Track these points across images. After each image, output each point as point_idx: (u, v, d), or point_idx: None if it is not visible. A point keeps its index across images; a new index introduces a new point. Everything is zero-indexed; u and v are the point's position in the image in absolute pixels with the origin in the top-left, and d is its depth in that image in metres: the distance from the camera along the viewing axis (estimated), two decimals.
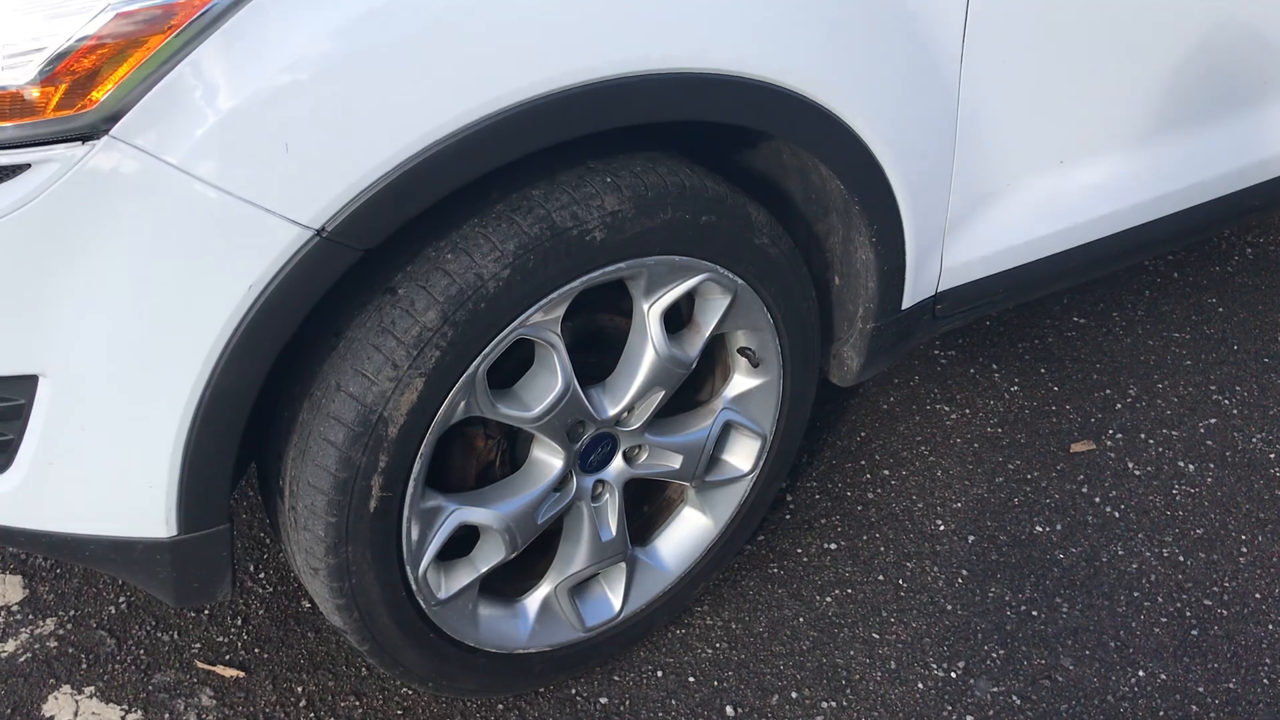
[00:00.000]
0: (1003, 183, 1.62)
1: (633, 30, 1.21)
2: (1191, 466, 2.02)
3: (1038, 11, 1.49)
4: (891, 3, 1.37)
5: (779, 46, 1.31)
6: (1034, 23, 1.49)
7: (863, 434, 2.11)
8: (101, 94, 1.05)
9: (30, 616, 1.74)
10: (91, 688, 1.64)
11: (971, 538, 1.90)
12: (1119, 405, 2.15)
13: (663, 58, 1.24)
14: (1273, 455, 2.04)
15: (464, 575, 1.48)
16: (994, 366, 2.25)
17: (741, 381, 1.63)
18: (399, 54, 1.10)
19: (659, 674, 1.70)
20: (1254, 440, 2.07)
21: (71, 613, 1.75)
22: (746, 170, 1.64)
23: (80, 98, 1.05)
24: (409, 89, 1.11)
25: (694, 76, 1.26)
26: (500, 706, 1.63)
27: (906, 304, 1.63)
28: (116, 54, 1.05)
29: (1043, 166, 1.65)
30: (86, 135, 1.06)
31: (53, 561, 1.82)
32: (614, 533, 1.57)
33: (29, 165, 1.07)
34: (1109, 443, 2.07)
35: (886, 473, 2.03)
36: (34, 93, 1.05)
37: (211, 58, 1.06)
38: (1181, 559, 1.86)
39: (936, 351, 2.29)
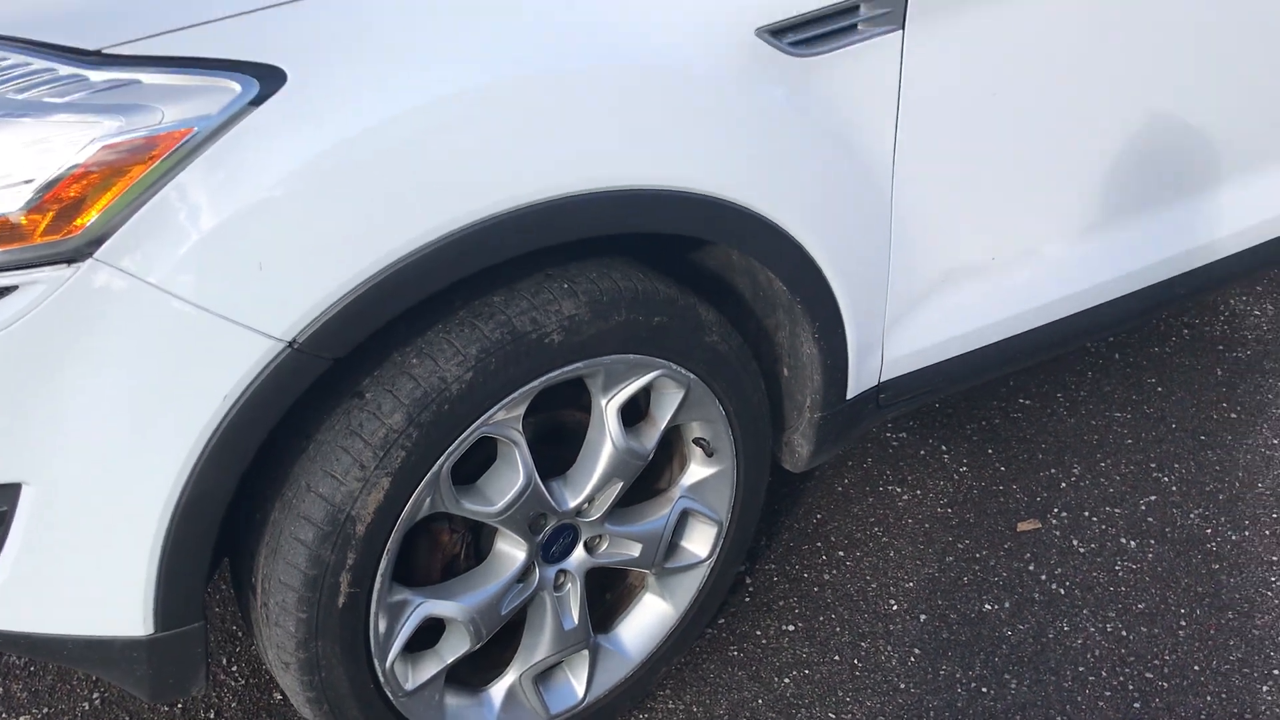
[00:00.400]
0: (937, 280, 1.72)
1: (590, 154, 1.31)
2: (1133, 543, 2.10)
3: (960, 126, 1.60)
4: (826, 119, 1.48)
5: (724, 165, 1.40)
6: (957, 136, 1.60)
7: (819, 516, 2.18)
8: (86, 220, 1.13)
9: (4, 714, 1.77)
10: None
11: (923, 616, 1.97)
12: (1063, 484, 2.24)
13: (617, 177, 1.33)
14: (1209, 530, 2.13)
15: (430, 666, 1.53)
16: (944, 448, 2.34)
17: (697, 471, 1.70)
18: (363, 180, 1.18)
19: None
20: (1191, 516, 2.16)
21: (45, 710, 1.78)
22: (700, 269, 1.73)
23: (67, 224, 1.13)
24: (373, 212, 1.19)
25: (646, 193, 1.36)
26: None
27: (851, 394, 1.72)
28: (102, 182, 1.13)
29: (974, 264, 1.74)
30: (72, 258, 1.13)
31: (27, 659, 1.85)
32: (576, 621, 1.62)
33: (16, 287, 1.14)
34: (1054, 521, 2.16)
35: (842, 554, 2.10)
36: (22, 220, 1.13)
37: (190, 185, 1.14)
38: (1124, 633, 1.93)
39: (889, 434, 2.38)
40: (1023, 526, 2.14)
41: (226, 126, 1.14)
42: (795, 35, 1.40)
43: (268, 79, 1.15)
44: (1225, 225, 2.02)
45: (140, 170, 1.13)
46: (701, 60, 1.36)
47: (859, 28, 1.44)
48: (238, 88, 1.14)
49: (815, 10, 1.39)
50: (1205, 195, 1.98)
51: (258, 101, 1.15)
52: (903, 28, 1.47)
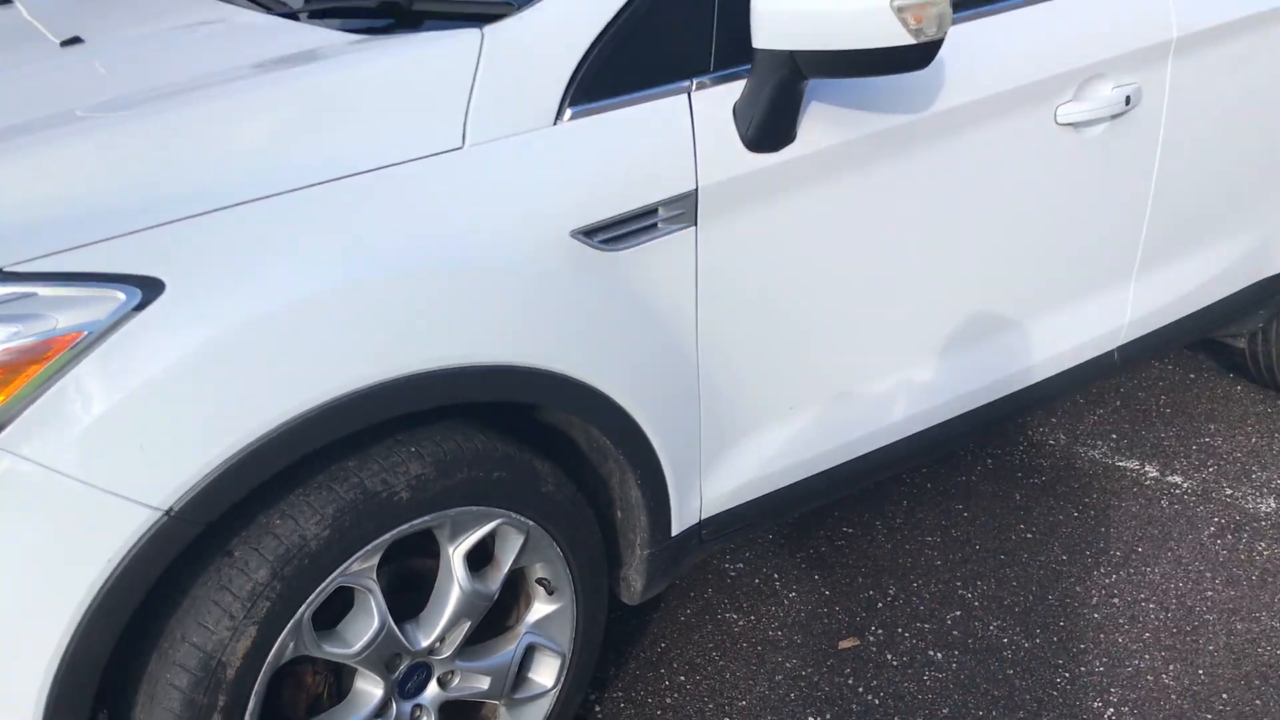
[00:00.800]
0: (744, 428, 1.98)
1: (432, 338, 1.54)
2: (940, 654, 2.36)
3: (753, 300, 1.88)
4: (637, 300, 1.74)
5: (549, 344, 1.65)
6: (751, 308, 1.88)
7: (663, 645, 2.39)
8: None
9: None
10: None
11: None
12: (880, 604, 2.49)
13: (457, 357, 1.56)
14: (1005, 640, 2.40)
15: None
16: (775, 576, 2.58)
17: (541, 608, 1.90)
18: (230, 370, 1.39)
19: None
20: (991, 628, 2.43)
21: None
22: (542, 426, 1.96)
23: None
24: (239, 396, 1.40)
25: (484, 369, 1.59)
26: None
27: (675, 532, 1.95)
28: (1, 379, 1.31)
29: (776, 414, 2.02)
30: None
31: None
32: None
33: None
34: (871, 638, 2.40)
35: (683, 678, 2.30)
36: None
37: (80, 379, 1.34)
38: None
39: (727, 565, 2.61)
40: (843, 644, 2.38)
41: (113, 330, 1.34)
42: (605, 235, 1.67)
43: (149, 288, 1.36)
44: (1007, 367, 2.34)
45: (35, 369, 1.32)
46: (525, 259, 1.61)
47: (659, 226, 1.72)
48: (123, 296, 1.35)
49: (619, 215, 1.67)
50: (988, 343, 2.30)
51: (140, 307, 1.36)
52: (696, 224, 1.76)
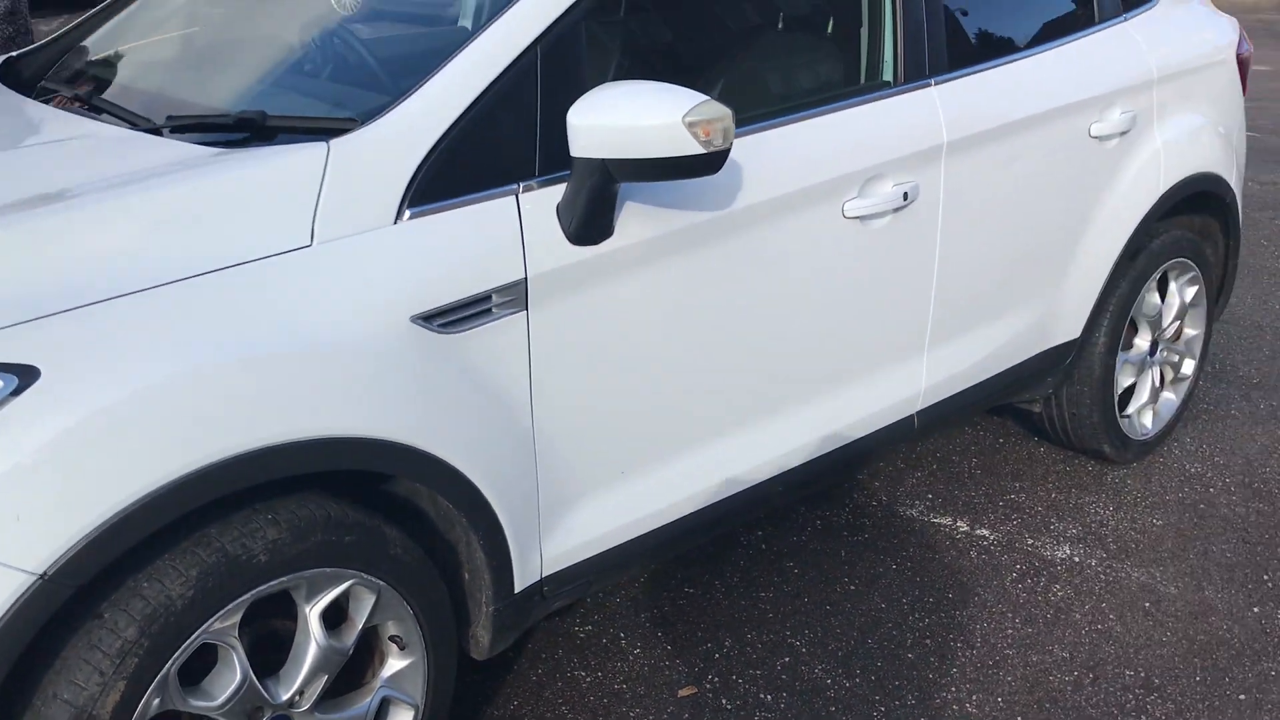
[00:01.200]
0: (580, 491, 2.20)
1: (283, 414, 1.73)
2: (769, 696, 2.58)
3: (583, 375, 2.12)
4: (475, 377, 1.96)
5: (394, 417, 1.85)
6: (581, 383, 2.12)
7: (515, 703, 2.56)
8: None
9: None
10: None
11: None
12: (717, 655, 2.72)
13: (308, 430, 1.75)
14: (829, 681, 2.64)
15: None
16: (621, 635, 2.78)
17: (394, 663, 2.07)
18: (98, 447, 1.56)
19: None
20: (816, 670, 2.67)
21: None
22: (391, 495, 2.14)
23: None
24: (106, 470, 1.57)
25: (333, 441, 1.78)
26: None
27: (518, 589, 2.15)
28: None
29: (610, 476, 2.24)
30: None
31: None
32: None
33: None
34: (708, 685, 2.62)
35: None
36: None
37: None
38: None
39: (576, 628, 2.81)
40: (683, 693, 2.59)
41: None
42: (442, 319, 1.89)
43: (25, 375, 1.53)
44: (816, 432, 2.62)
45: None
46: (369, 342, 1.82)
47: (493, 311, 1.96)
48: (1, 383, 1.51)
49: (454, 302, 1.90)
50: (797, 411, 2.57)
51: (17, 393, 1.52)
52: (527, 309, 1.99)
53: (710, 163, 1.94)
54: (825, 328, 2.53)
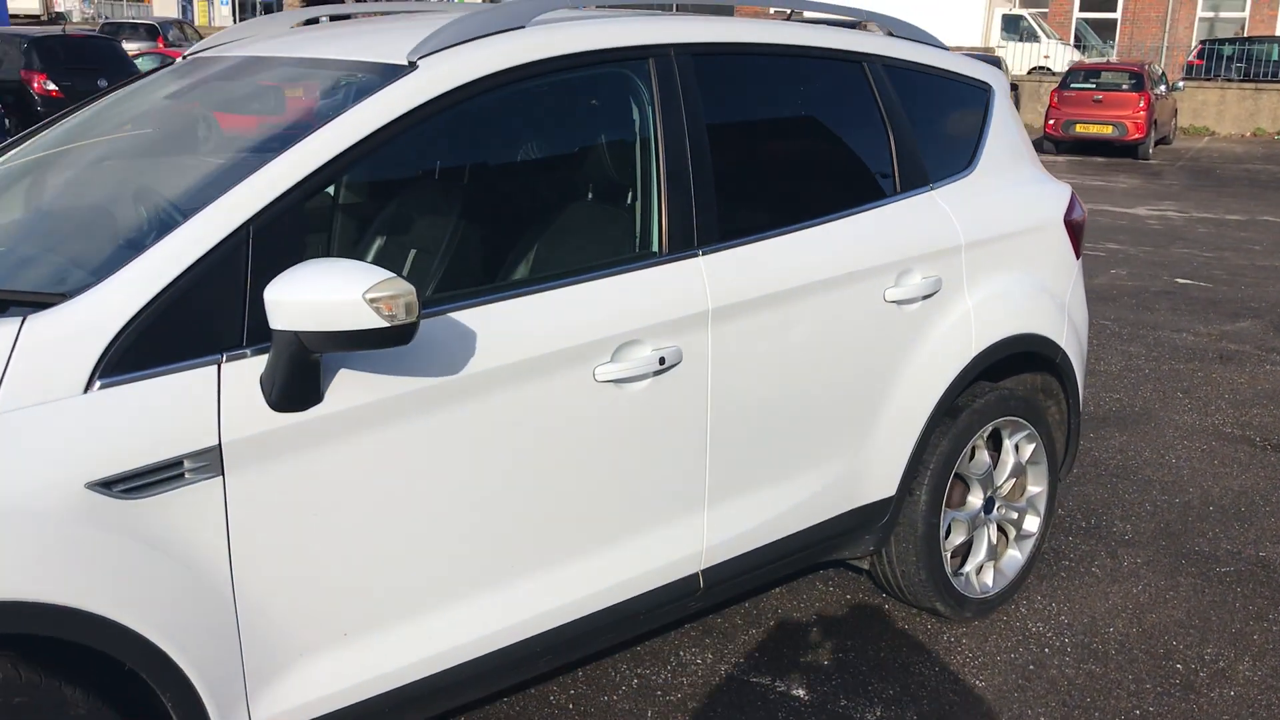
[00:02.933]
0: (294, 654, 2.23)
1: None
2: None
3: (287, 539, 2.17)
4: (165, 544, 2.01)
5: (73, 584, 1.90)
6: (285, 547, 2.17)
7: None
8: None
9: None
10: None
11: None
12: None
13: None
14: None
15: None
16: None
17: None
18: None
19: None
20: None
21: None
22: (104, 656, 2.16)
23: None
24: None
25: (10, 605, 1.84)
26: None
27: None
28: None
29: (329, 638, 2.27)
30: None
31: None
32: None
33: None
34: None
35: None
36: None
37: None
38: None
39: None
40: None
41: None
42: (125, 485, 1.97)
43: None
44: (570, 593, 2.61)
45: None
46: (45, 507, 1.89)
47: (185, 476, 2.03)
48: None
49: (139, 469, 1.97)
50: (553, 571, 2.58)
51: None
52: (222, 474, 2.07)
53: (400, 335, 2.03)
54: (579, 488, 2.58)
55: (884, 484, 3.27)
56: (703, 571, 2.87)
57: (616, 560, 2.69)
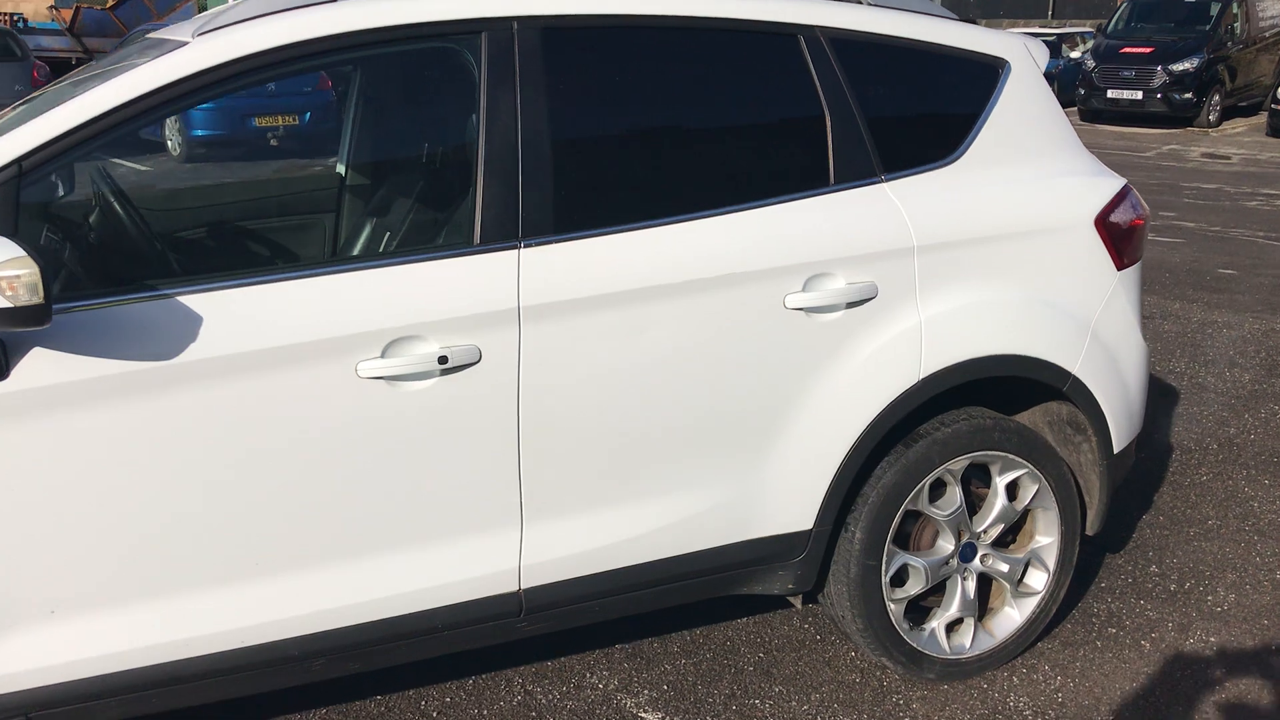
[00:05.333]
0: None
1: None
2: None
3: None
4: None
5: None
6: None
7: None
8: None
9: None
10: None
11: None
12: None
13: None
14: None
15: None
16: None
17: None
18: None
19: None
20: None
21: None
22: None
23: None
24: None
25: None
26: None
27: None
28: None
29: (39, 614, 2.28)
30: None
31: None
32: None
33: None
34: None
35: None
36: None
37: None
38: None
39: None
40: None
41: None
42: None
43: None
44: (344, 599, 2.48)
45: None
46: None
47: None
48: None
49: None
50: (311, 574, 2.44)
51: None
52: None
53: (33, 316, 1.99)
54: (342, 487, 2.43)
55: (794, 516, 2.87)
56: (524, 591, 2.64)
57: (399, 568, 2.52)
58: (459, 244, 2.51)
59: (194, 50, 2.35)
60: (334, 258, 2.42)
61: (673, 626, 3.42)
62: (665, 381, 2.65)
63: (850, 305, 2.78)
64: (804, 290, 2.73)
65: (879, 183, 2.87)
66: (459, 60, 2.56)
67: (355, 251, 2.44)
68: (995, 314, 2.94)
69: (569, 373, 2.55)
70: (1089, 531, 3.29)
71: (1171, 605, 3.55)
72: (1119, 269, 3.14)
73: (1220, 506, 4.28)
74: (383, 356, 2.39)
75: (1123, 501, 4.31)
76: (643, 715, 3.00)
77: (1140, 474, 4.56)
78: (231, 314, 2.30)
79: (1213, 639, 3.37)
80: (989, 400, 3.24)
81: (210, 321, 2.28)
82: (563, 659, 3.26)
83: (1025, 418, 3.34)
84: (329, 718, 2.99)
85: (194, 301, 2.28)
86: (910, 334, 2.85)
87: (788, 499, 2.85)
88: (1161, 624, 3.45)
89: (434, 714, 3.01)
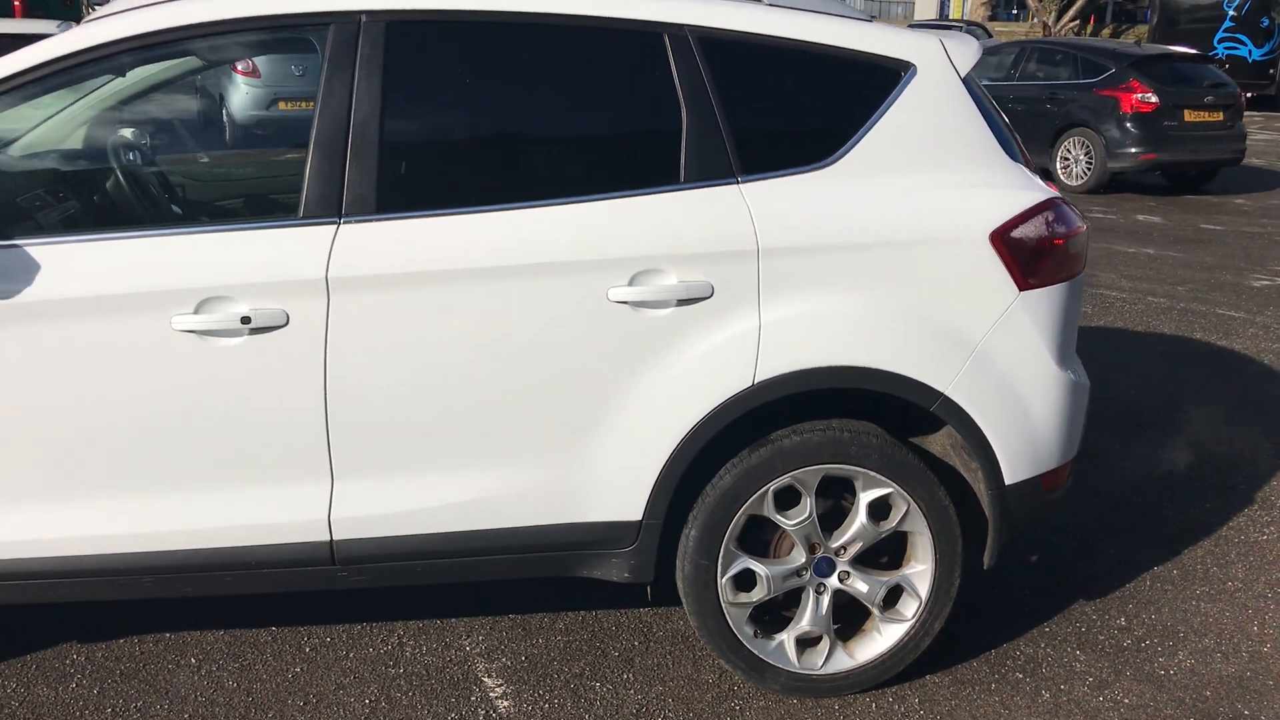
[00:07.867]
0: None
1: None
2: None
3: None
4: None
5: None
6: None
7: None
8: None
9: None
10: None
11: None
12: None
13: None
14: None
15: None
16: None
17: None
18: None
19: None
20: None
21: None
22: None
23: None
24: None
25: None
26: None
27: None
28: None
29: None
30: None
31: None
32: None
33: None
34: None
35: None
36: None
37: None
38: None
39: None
40: None
41: None
42: None
43: None
44: (170, 525, 2.76)
45: None
46: None
47: None
48: None
49: None
50: (137, 501, 2.74)
51: None
52: None
53: None
54: (152, 426, 2.72)
55: (621, 506, 2.90)
56: (337, 542, 2.85)
57: (218, 505, 2.78)
58: (286, 216, 2.75)
59: (66, 36, 2.71)
60: (164, 221, 2.72)
61: (575, 606, 3.52)
62: (477, 361, 2.77)
63: (681, 303, 2.79)
64: (630, 285, 2.77)
65: (732, 184, 2.85)
66: (309, 49, 2.80)
67: (198, 217, 2.73)
68: (845, 324, 2.85)
69: (377, 343, 2.73)
70: (985, 565, 3.11)
71: (1107, 661, 3.28)
72: (1021, 288, 2.94)
73: (1253, 570, 3.85)
74: (195, 313, 2.67)
75: (1128, 548, 3.97)
76: (485, 680, 3.14)
77: (1159, 519, 4.17)
78: (66, 265, 2.64)
79: (1125, 701, 3.09)
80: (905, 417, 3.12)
81: (45, 270, 2.63)
82: (451, 620, 3.44)
83: (937, 440, 3.20)
84: (222, 639, 3.32)
85: (36, 251, 2.65)
86: (747, 336, 2.82)
87: (611, 488, 2.89)
88: (1080, 678, 3.20)
89: (308, 650, 3.28)
